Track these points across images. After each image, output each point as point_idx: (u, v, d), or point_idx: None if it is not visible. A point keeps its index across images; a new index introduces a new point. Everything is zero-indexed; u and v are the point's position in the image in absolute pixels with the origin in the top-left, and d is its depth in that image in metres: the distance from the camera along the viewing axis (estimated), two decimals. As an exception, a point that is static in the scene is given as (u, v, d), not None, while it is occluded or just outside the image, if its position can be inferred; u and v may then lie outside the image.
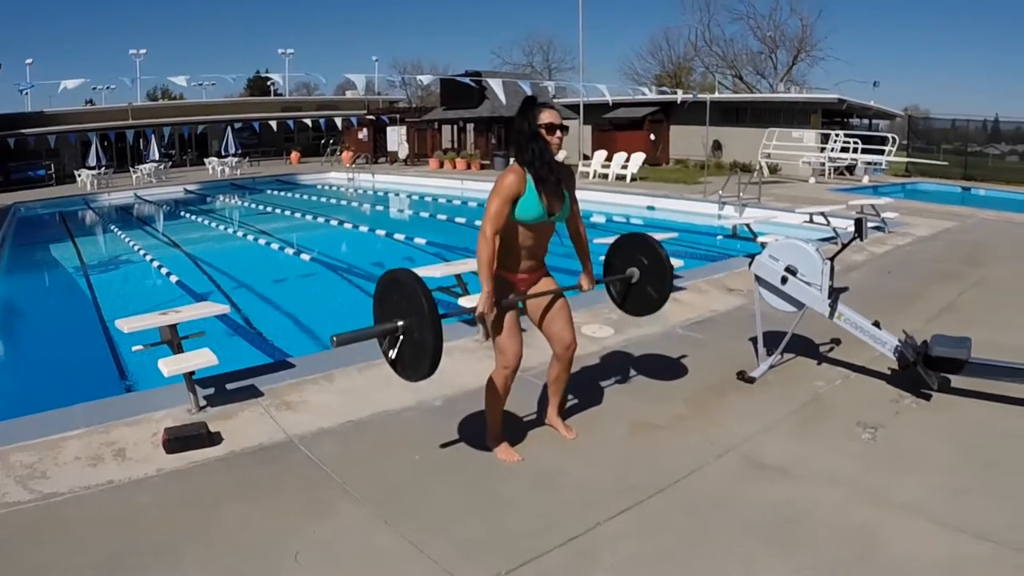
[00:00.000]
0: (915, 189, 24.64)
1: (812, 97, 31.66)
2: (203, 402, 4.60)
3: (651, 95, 30.25)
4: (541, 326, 4.19)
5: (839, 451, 4.31)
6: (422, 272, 6.50)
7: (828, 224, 11.82)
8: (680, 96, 28.31)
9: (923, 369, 5.03)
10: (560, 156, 4.08)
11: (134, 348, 4.77)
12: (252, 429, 4.35)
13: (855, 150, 26.06)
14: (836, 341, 6.25)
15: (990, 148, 31.08)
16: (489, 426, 4.12)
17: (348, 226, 17.05)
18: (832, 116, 30.92)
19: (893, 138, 25.95)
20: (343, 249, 14.90)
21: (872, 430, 4.60)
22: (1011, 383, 5.04)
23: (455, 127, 35.12)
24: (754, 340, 6.28)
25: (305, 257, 12.67)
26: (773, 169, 25.83)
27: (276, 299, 9.74)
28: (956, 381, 5.12)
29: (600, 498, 3.69)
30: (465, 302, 6.12)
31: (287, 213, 19.42)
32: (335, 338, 3.40)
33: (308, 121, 33.06)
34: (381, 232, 15.51)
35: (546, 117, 3.84)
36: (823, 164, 26.17)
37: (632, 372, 5.61)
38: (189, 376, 4.46)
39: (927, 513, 3.61)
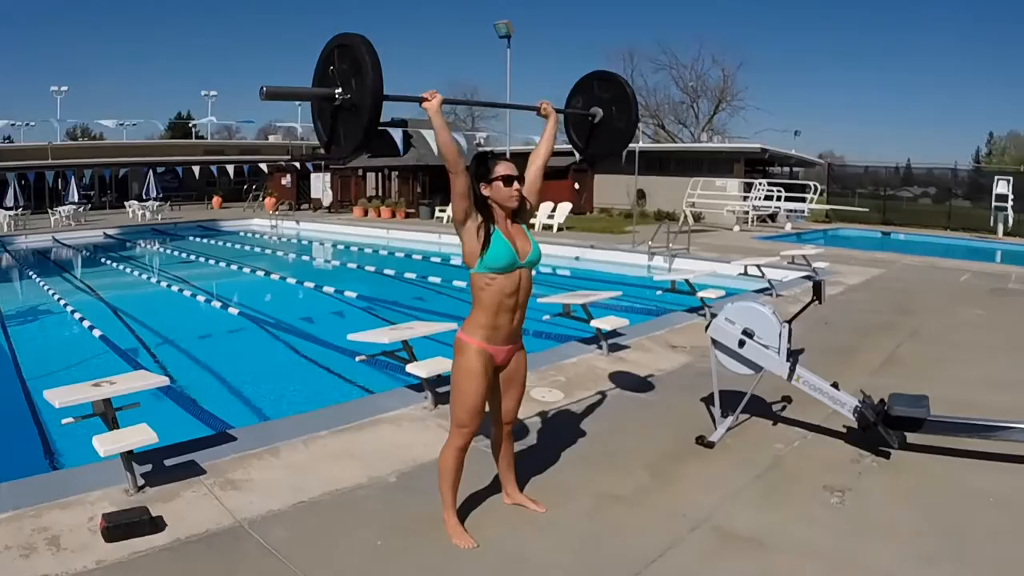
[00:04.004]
0: (836, 235, 25.45)
1: (735, 147, 32.54)
2: (141, 481, 4.24)
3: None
4: (499, 399, 4.02)
5: (809, 519, 4.24)
6: (367, 337, 6.28)
7: (763, 276, 12.04)
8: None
9: (884, 429, 5.03)
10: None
11: (64, 421, 4.38)
12: (197, 512, 4.01)
13: (779, 198, 26.79)
14: (787, 399, 6.24)
15: (903, 191, 32.45)
16: (444, 507, 3.88)
17: (275, 277, 16.58)
18: (754, 165, 31.80)
19: (815, 186, 26.83)
20: (271, 302, 14.46)
21: (839, 493, 4.55)
22: (967, 439, 5.10)
23: (380, 174, 34.88)
24: (706, 401, 6.24)
25: (233, 311, 12.23)
26: (697, 217, 26.31)
27: (203, 357, 9.30)
28: (912, 436, 5.13)
29: (575, 584, 3.51)
30: (414, 369, 5.88)
31: (211, 262, 18.82)
32: (265, 89, 3.26)
33: (230, 167, 32.39)
34: (310, 284, 15.10)
35: (501, 169, 3.74)
36: (747, 212, 26.80)
37: (587, 438, 5.45)
38: (127, 455, 4.12)
39: None
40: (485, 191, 3.72)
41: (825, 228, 27.20)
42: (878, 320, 9.89)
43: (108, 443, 4.05)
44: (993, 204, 24.12)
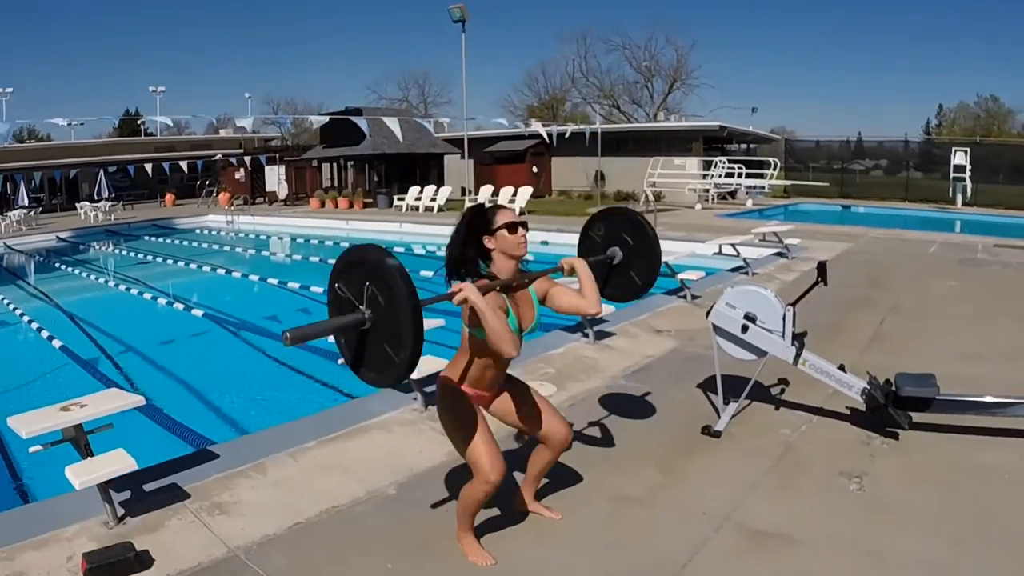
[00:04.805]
0: (797, 210, 25.59)
1: (694, 125, 32.60)
2: (120, 511, 3.90)
3: (536, 127, 30.30)
4: (524, 425, 3.76)
5: (833, 509, 4.09)
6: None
7: (738, 255, 11.93)
8: (556, 128, 28.28)
9: (894, 411, 4.89)
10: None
11: (31, 450, 3.99)
12: (186, 543, 3.68)
13: (739, 175, 26.83)
14: (784, 382, 6.10)
15: (856, 164, 32.86)
16: (460, 526, 3.59)
17: (237, 274, 16.09)
18: (712, 142, 31.85)
19: (775, 162, 26.92)
20: (235, 301, 13.96)
21: (857, 479, 4.42)
22: (974, 416, 4.99)
23: (335, 165, 34.32)
24: (703, 388, 6.08)
25: (197, 313, 11.77)
26: (657, 197, 26.26)
27: (170, 365, 8.87)
28: (916, 415, 5.00)
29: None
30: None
31: (169, 262, 18.22)
32: (287, 335, 2.77)
33: (184, 163, 31.51)
34: (273, 281, 14.65)
35: (503, 216, 3.46)
36: (707, 190, 26.81)
37: (588, 433, 5.23)
38: (104, 484, 3.77)
39: (937, 570, 3.47)
40: (490, 244, 3.45)
41: (785, 203, 27.35)
42: (857, 295, 9.80)
43: (83, 474, 3.70)
44: (951, 175, 24.39)
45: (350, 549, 3.67)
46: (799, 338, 5.12)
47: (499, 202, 24.72)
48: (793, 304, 5.11)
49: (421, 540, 3.73)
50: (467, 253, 3.43)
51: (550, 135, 27.04)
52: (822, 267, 5.19)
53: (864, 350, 7.25)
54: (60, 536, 3.72)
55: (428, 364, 5.64)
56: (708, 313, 5.32)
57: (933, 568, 3.48)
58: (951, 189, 24.50)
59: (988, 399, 4.95)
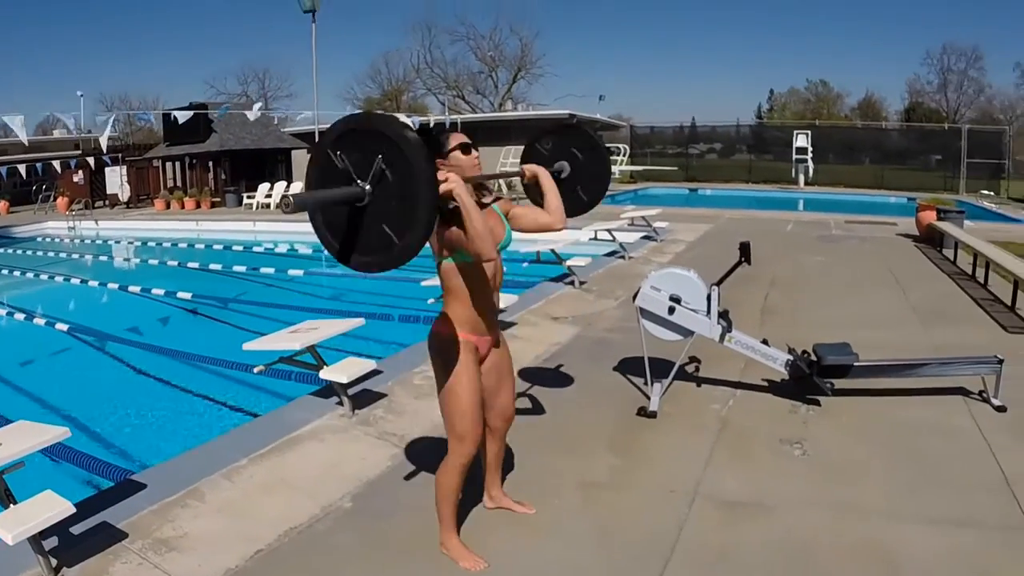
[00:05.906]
0: (646, 194, 26.51)
1: (544, 114, 33.01)
2: (54, 561, 3.47)
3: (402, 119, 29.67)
4: (490, 388, 3.60)
5: (788, 473, 4.30)
6: (268, 344, 5.60)
7: (613, 239, 12.20)
8: (417, 120, 27.96)
9: (819, 379, 5.13)
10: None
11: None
12: (143, 588, 3.34)
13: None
14: (696, 360, 6.27)
15: (692, 148, 34.53)
16: (443, 529, 3.46)
17: (93, 284, 14.95)
18: (561, 131, 32.38)
19: (624, 148, 27.72)
20: (94, 313, 12.95)
21: (798, 445, 4.65)
22: (883, 379, 5.37)
23: (179, 164, 32.58)
24: (620, 370, 6.18)
25: (62, 327, 10.79)
26: (509, 186, 26.40)
27: (38, 389, 8.07)
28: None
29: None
30: (330, 375, 5.31)
31: (16, 274, 16.66)
32: (291, 200, 2.45)
33: (22, 167, 28.86)
34: (135, 289, 13.69)
35: (455, 139, 3.32)
36: (560, 177, 27.22)
37: (524, 422, 5.06)
38: (36, 536, 3.35)
39: (905, 516, 3.75)
40: (444, 166, 3.24)
41: (634, 188, 28.23)
42: (736, 273, 10.19)
43: (14, 526, 3.22)
44: (794, 156, 25.95)
45: (327, 573, 3.44)
46: (724, 316, 5.26)
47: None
48: (718, 284, 5.26)
49: (399, 552, 3.55)
50: None
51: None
52: (745, 247, 5.35)
53: (760, 323, 7.60)
54: (-8, 598, 3.29)
55: (355, 366, 5.43)
56: (635, 297, 5.39)
57: (902, 515, 3.75)
58: (793, 170, 26.12)
59: (901, 362, 5.30)
